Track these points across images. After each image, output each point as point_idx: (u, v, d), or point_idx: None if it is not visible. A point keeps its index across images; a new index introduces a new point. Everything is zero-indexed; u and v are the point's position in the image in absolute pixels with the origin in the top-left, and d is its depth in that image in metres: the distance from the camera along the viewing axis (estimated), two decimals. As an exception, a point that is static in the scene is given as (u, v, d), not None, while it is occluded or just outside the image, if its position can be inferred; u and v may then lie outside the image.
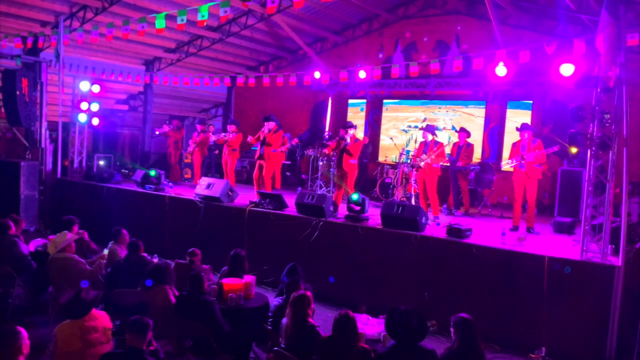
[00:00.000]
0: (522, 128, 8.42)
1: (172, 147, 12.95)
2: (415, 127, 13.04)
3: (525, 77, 11.06)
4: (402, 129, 13.69)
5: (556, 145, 8.36)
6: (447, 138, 12.39)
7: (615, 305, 5.71)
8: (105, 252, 6.74)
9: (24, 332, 3.39)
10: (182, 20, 8.22)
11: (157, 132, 13.49)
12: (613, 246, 6.13)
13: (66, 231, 6.52)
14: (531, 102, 11.94)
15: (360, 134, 13.28)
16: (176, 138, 12.94)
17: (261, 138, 9.97)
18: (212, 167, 13.53)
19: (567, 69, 6.76)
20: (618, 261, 5.84)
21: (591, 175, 6.25)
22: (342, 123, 10.74)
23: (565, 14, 10.16)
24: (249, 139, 10.29)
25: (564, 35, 10.27)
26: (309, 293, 4.54)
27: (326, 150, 10.11)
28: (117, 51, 13.02)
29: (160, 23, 8.36)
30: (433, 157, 8.88)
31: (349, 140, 8.88)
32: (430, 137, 9.18)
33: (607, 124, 6.11)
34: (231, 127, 10.89)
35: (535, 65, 9.36)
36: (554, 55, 7.93)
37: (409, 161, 10.04)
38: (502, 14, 11.31)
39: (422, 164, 8.93)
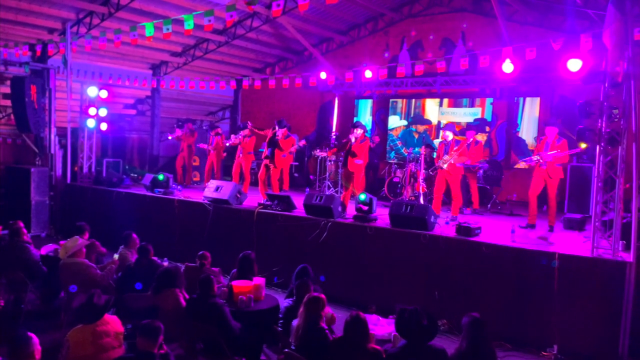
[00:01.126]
0: (549, 123, 8.20)
1: (186, 150, 12.90)
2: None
3: (532, 74, 10.96)
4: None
5: (578, 147, 8.02)
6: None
7: (628, 301, 5.66)
8: (116, 256, 6.80)
9: (35, 338, 3.43)
10: (189, 25, 8.26)
11: (169, 137, 13.46)
12: (624, 242, 6.07)
13: (77, 236, 6.57)
14: (539, 98, 11.87)
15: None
16: (189, 142, 12.93)
17: (269, 135, 9.95)
18: (220, 170, 13.54)
19: (574, 65, 6.71)
20: (629, 257, 5.79)
21: (601, 171, 6.21)
22: (349, 123, 10.72)
23: (572, 9, 10.08)
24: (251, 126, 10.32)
25: (571, 30, 10.18)
26: (323, 296, 4.55)
27: (329, 153, 10.12)
28: (124, 56, 13.10)
29: (166, 28, 8.42)
30: (456, 156, 8.65)
31: (354, 140, 8.85)
32: (450, 136, 8.95)
33: (616, 120, 6.06)
34: (244, 132, 10.88)
35: (543, 61, 9.30)
36: (561, 51, 7.88)
37: (418, 161, 9.96)
38: (508, 10, 11.25)
39: (444, 165, 8.67)
